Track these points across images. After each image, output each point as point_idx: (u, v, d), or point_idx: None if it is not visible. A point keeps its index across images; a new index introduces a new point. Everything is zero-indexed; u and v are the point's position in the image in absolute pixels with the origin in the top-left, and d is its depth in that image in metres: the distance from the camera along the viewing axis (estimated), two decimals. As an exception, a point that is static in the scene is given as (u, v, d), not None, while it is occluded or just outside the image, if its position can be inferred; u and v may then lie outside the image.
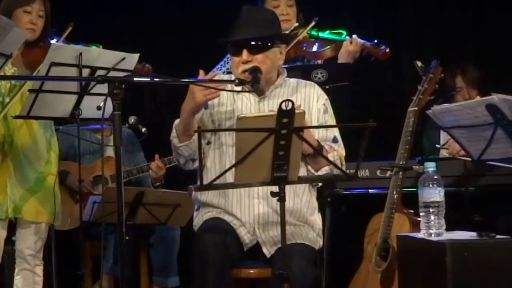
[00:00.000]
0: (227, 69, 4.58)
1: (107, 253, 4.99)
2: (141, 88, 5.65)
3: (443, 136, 4.30)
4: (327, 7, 4.74)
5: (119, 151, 3.02)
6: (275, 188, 3.17)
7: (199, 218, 3.75)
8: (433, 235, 3.25)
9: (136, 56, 3.88)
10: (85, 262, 4.83)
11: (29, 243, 4.13)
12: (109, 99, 3.02)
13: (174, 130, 3.68)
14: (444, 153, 4.52)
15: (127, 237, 3.06)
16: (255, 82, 3.52)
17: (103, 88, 3.44)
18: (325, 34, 4.75)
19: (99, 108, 3.78)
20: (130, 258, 4.75)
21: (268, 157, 3.12)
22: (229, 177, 3.26)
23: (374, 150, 3.49)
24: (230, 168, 3.20)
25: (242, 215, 3.64)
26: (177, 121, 3.66)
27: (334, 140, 3.72)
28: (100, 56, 3.80)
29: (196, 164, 3.62)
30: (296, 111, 3.08)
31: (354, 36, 4.66)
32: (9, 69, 3.97)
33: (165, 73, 3.23)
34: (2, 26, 3.58)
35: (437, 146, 4.50)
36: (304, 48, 4.71)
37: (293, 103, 3.06)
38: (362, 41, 4.65)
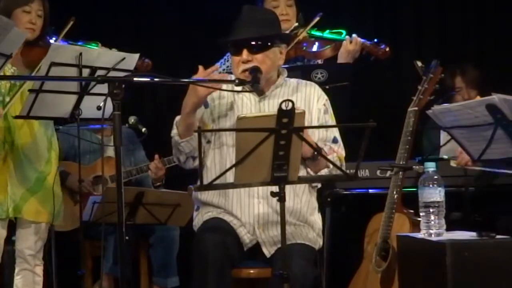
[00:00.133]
0: (227, 67, 4.57)
1: (107, 253, 4.99)
2: (141, 88, 5.64)
3: (443, 136, 4.29)
4: (327, 7, 4.73)
5: (119, 151, 3.02)
6: (275, 188, 3.17)
7: (199, 218, 3.75)
8: (433, 235, 3.25)
9: (136, 56, 3.88)
10: (85, 262, 4.83)
11: (29, 243, 4.13)
12: (109, 99, 3.02)
13: (175, 127, 3.68)
14: (452, 163, 4.52)
15: (127, 237, 3.06)
16: (255, 82, 3.53)
17: (103, 88, 3.44)
18: (325, 34, 4.75)
19: (99, 108, 3.78)
20: (130, 258, 4.75)
21: (268, 157, 3.12)
22: (229, 177, 3.26)
23: (374, 150, 3.49)
24: (230, 168, 3.20)
25: (242, 214, 3.64)
26: (177, 118, 3.66)
27: (334, 141, 3.72)
28: (100, 56, 3.81)
29: (196, 162, 3.62)
30: (296, 111, 3.08)
31: (353, 35, 4.66)
32: (9, 69, 3.97)
33: (165, 73, 3.22)
34: (2, 26, 3.58)
35: (440, 145, 4.49)
36: (304, 48, 4.71)
37: (293, 103, 3.06)
38: (362, 40, 4.65)
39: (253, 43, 3.63)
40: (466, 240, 3.17)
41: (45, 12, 4.14)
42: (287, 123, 3.08)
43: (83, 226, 4.30)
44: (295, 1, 4.77)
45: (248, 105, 3.73)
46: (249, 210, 3.64)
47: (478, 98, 4.00)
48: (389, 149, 4.05)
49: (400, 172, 3.83)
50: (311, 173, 3.66)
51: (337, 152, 3.69)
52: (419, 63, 4.02)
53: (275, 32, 3.72)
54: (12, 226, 4.17)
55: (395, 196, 3.80)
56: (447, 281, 3.02)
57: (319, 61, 4.76)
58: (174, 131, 3.67)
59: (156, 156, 5.12)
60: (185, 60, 5.54)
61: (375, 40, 4.69)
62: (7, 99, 4.01)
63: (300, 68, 4.62)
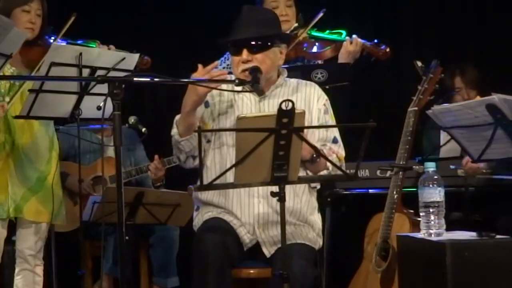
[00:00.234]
0: (227, 65, 4.56)
1: (107, 254, 4.98)
2: (141, 88, 5.64)
3: (443, 136, 4.30)
4: (327, 7, 4.73)
5: (119, 151, 3.02)
6: (275, 188, 3.17)
7: (199, 218, 3.75)
8: (433, 235, 3.25)
9: (136, 56, 3.88)
10: (85, 262, 4.83)
11: (29, 243, 4.13)
12: (109, 99, 3.02)
13: (175, 126, 3.67)
14: (459, 172, 4.54)
15: (127, 237, 3.06)
16: (255, 82, 3.52)
17: (103, 88, 3.44)
18: (325, 34, 4.75)
19: (99, 108, 3.78)
20: (130, 258, 4.75)
21: (268, 157, 3.12)
22: (230, 177, 3.26)
23: (374, 150, 3.49)
24: (230, 168, 3.20)
25: (242, 214, 3.64)
26: (177, 117, 3.66)
27: (334, 141, 3.72)
28: (100, 56, 3.81)
29: (197, 161, 3.62)
30: (296, 111, 3.08)
31: (354, 36, 4.66)
32: (8, 69, 3.97)
33: (165, 73, 3.22)
34: (2, 26, 3.58)
35: (440, 145, 4.49)
36: (305, 49, 4.70)
37: (293, 103, 3.05)
38: (362, 41, 4.65)
39: (253, 43, 3.63)
40: (466, 240, 3.17)
41: (44, 12, 4.15)
42: (287, 123, 3.08)
43: (83, 226, 4.30)
44: (294, 1, 4.77)
45: (248, 105, 3.73)
46: (249, 209, 3.64)
47: (478, 98, 4.01)
48: (389, 149, 4.05)
49: (400, 172, 3.83)
50: (311, 174, 3.66)
51: (337, 153, 3.68)
52: (419, 63, 4.02)
53: (275, 32, 3.72)
54: (12, 226, 4.17)
55: (395, 196, 3.80)
56: (447, 281, 3.02)
57: (319, 61, 4.76)
58: (174, 130, 3.67)
59: (156, 157, 5.12)
60: (185, 60, 5.52)
61: (375, 40, 4.69)
62: (7, 99, 4.01)
63: (300, 68, 4.61)
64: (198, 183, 3.24)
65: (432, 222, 3.26)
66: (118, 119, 2.98)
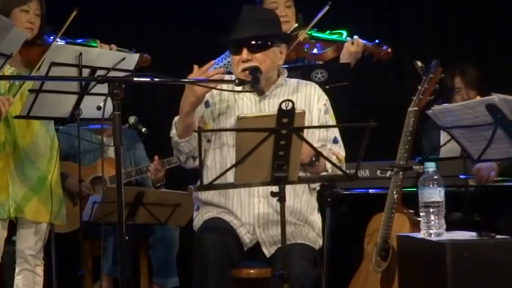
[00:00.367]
0: (228, 62, 4.55)
1: (106, 254, 4.98)
2: (141, 88, 5.64)
3: (443, 136, 4.30)
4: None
5: (119, 151, 3.02)
6: (275, 188, 3.17)
7: (199, 218, 3.75)
8: (433, 235, 3.25)
9: (136, 56, 3.89)
10: (85, 262, 4.83)
11: (29, 243, 4.13)
12: (109, 99, 3.02)
13: (173, 127, 3.67)
14: (470, 182, 4.54)
15: (127, 237, 3.06)
16: (255, 82, 3.52)
17: (103, 88, 3.44)
18: (326, 35, 4.75)
19: (99, 108, 3.78)
20: (130, 258, 4.75)
21: (268, 157, 3.12)
22: (230, 177, 3.26)
23: (374, 150, 3.49)
24: (230, 168, 3.20)
25: (242, 214, 3.64)
26: (176, 118, 3.66)
27: (335, 141, 3.72)
28: (100, 56, 3.81)
29: (197, 162, 3.61)
30: (296, 111, 3.08)
31: (355, 36, 4.66)
32: (8, 69, 3.97)
33: (165, 73, 3.22)
34: (2, 26, 3.59)
35: (440, 145, 4.50)
36: (306, 50, 4.70)
37: (293, 103, 3.06)
38: (364, 41, 4.64)
39: (253, 42, 3.63)
40: (466, 240, 3.17)
41: (43, 12, 4.15)
42: (287, 123, 3.08)
43: (83, 226, 4.30)
44: (294, 2, 4.77)
45: (248, 104, 3.73)
46: (249, 209, 3.64)
47: (478, 98, 4.01)
48: (389, 149, 4.04)
49: (400, 172, 3.83)
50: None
51: (337, 154, 3.68)
52: (419, 63, 4.02)
53: (275, 31, 3.72)
54: (13, 227, 4.18)
55: (395, 196, 3.80)
56: (447, 281, 3.02)
57: (318, 61, 4.75)
58: (173, 132, 3.67)
59: (156, 157, 5.12)
60: (185, 59, 5.53)
61: (377, 41, 4.69)
62: (8, 98, 4.01)
63: (300, 68, 4.61)
64: (198, 183, 3.24)
65: (432, 222, 3.26)
66: (118, 119, 2.97)
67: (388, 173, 3.96)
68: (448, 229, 3.31)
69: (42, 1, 4.16)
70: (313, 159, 3.54)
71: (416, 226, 3.61)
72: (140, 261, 5.23)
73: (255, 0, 4.71)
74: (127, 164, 5.28)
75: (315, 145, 3.46)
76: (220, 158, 3.68)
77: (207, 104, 3.70)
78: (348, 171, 3.42)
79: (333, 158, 3.62)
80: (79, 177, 4.27)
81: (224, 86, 3.66)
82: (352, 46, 4.62)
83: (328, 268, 4.42)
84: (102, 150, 5.08)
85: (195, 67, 3.51)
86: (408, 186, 3.93)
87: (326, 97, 3.80)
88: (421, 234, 3.30)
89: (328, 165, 3.61)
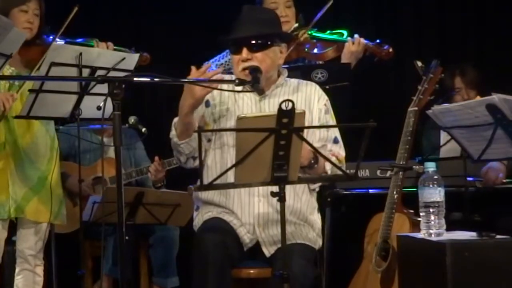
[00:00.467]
0: (229, 59, 4.55)
1: (106, 255, 4.98)
2: (141, 88, 5.64)
3: (443, 136, 4.30)
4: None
5: (119, 151, 3.02)
6: (276, 188, 3.17)
7: (199, 218, 3.75)
8: (433, 235, 3.25)
9: (136, 56, 3.89)
10: (85, 262, 4.83)
11: (29, 243, 4.13)
12: (109, 99, 3.02)
13: (173, 129, 3.66)
14: (477, 184, 4.55)
15: (127, 237, 3.05)
16: (255, 82, 3.52)
17: (103, 88, 3.44)
18: (327, 35, 4.74)
19: (99, 108, 3.78)
20: (130, 258, 4.75)
21: (268, 157, 3.12)
22: (230, 177, 3.26)
23: (374, 150, 3.49)
24: (230, 168, 3.20)
25: (242, 213, 3.64)
26: (176, 119, 3.65)
27: (335, 141, 3.72)
28: (100, 56, 3.81)
29: (197, 162, 3.61)
30: (296, 111, 3.08)
31: (356, 36, 4.65)
32: (7, 69, 3.97)
33: (165, 73, 3.22)
34: (2, 26, 3.59)
35: (440, 145, 4.50)
36: (306, 50, 4.70)
37: (293, 103, 3.05)
38: (365, 41, 4.64)
39: (253, 41, 3.63)
40: (466, 240, 3.17)
41: (42, 11, 4.15)
42: (287, 123, 3.08)
43: (83, 226, 4.30)
44: (294, 2, 4.76)
45: (249, 104, 3.73)
46: (249, 208, 3.64)
47: (478, 98, 4.01)
48: (389, 149, 4.04)
49: (400, 172, 3.83)
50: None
51: (337, 155, 3.68)
52: (419, 63, 4.02)
53: (275, 31, 3.72)
54: (12, 227, 4.18)
55: (395, 196, 3.80)
56: (447, 281, 3.02)
57: (319, 61, 4.75)
58: (173, 133, 3.66)
59: (156, 158, 5.11)
60: (185, 59, 5.53)
61: (378, 40, 4.69)
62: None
63: (300, 68, 4.61)
64: (198, 183, 3.24)
65: (432, 222, 3.26)
66: (118, 119, 2.97)
67: (388, 173, 3.96)
68: (448, 229, 3.31)
69: (41, 1, 4.16)
70: (312, 161, 3.54)
71: (416, 226, 3.61)
72: (140, 261, 5.23)
73: (255, 0, 4.71)
74: (127, 164, 5.27)
75: (315, 145, 3.46)
76: (220, 158, 3.68)
77: (207, 104, 3.70)
78: (348, 171, 3.42)
79: (333, 159, 3.61)
80: (79, 177, 4.27)
81: (225, 86, 3.66)
82: (353, 45, 4.62)
83: (328, 268, 4.43)
84: (102, 150, 5.08)
85: (193, 68, 3.49)
86: (408, 186, 3.94)
87: (326, 97, 3.80)
88: (421, 234, 3.30)
89: (328, 167, 3.61)
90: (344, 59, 4.63)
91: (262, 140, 3.08)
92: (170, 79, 3.28)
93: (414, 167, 3.92)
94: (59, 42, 4.16)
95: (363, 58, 4.66)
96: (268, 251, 3.63)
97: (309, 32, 4.71)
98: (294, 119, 3.08)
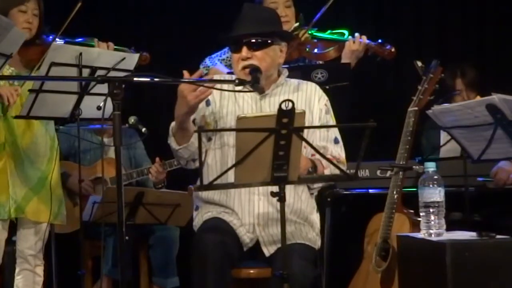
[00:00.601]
0: (230, 55, 4.53)
1: (106, 255, 4.97)
2: (141, 88, 5.64)
3: (443, 136, 4.30)
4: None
5: (119, 151, 3.02)
6: (276, 188, 3.17)
7: (199, 218, 3.75)
8: (433, 235, 3.25)
9: (136, 56, 3.89)
10: (85, 262, 4.82)
11: (30, 243, 4.13)
12: (109, 99, 3.02)
13: (171, 133, 3.66)
14: (487, 185, 4.55)
15: (127, 237, 3.05)
16: (255, 82, 3.52)
17: (103, 88, 3.44)
18: (327, 35, 4.74)
19: (99, 108, 3.78)
20: (130, 258, 4.75)
21: (268, 157, 3.12)
22: (230, 177, 3.25)
23: (374, 150, 3.49)
24: (230, 168, 3.19)
25: (242, 212, 3.64)
26: (173, 124, 3.65)
27: (335, 141, 3.73)
28: (100, 56, 3.81)
29: (198, 163, 3.61)
30: (296, 111, 3.08)
31: (356, 34, 4.65)
32: (7, 69, 3.97)
33: (165, 73, 3.22)
34: (3, 26, 3.59)
35: (440, 145, 4.50)
36: (307, 50, 4.70)
37: (293, 103, 3.05)
38: (367, 41, 4.64)
39: (253, 40, 3.62)
40: (466, 240, 3.17)
41: (41, 11, 4.15)
42: (287, 123, 3.08)
43: (83, 226, 4.30)
44: (294, 2, 4.76)
45: (249, 103, 3.73)
46: (249, 207, 3.64)
47: (478, 98, 4.01)
48: (389, 149, 4.04)
49: (400, 172, 3.83)
50: (310, 185, 3.67)
51: (337, 158, 3.67)
52: (419, 63, 4.02)
53: (275, 29, 3.72)
54: (12, 227, 4.18)
55: (395, 196, 3.80)
56: (447, 281, 3.02)
57: (320, 61, 4.75)
58: (171, 139, 3.65)
59: (157, 159, 5.10)
60: (185, 59, 5.53)
61: (379, 40, 4.69)
62: (8, 99, 4.01)
63: (300, 68, 4.61)
64: (198, 183, 3.23)
65: (432, 222, 3.26)
66: (118, 119, 2.97)
67: (388, 173, 3.96)
68: (448, 229, 3.31)
69: (40, 1, 4.16)
70: (310, 170, 3.54)
71: (416, 226, 3.60)
72: (140, 261, 5.23)
73: (255, 1, 4.71)
74: (127, 164, 5.27)
75: (319, 144, 3.46)
76: (220, 157, 3.68)
77: (208, 103, 3.70)
78: (348, 171, 3.42)
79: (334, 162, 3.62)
80: (79, 177, 4.27)
81: (225, 86, 3.66)
82: (353, 44, 4.62)
83: (328, 268, 4.43)
84: (102, 150, 5.08)
85: (185, 73, 3.44)
86: (408, 186, 3.93)
87: (326, 98, 3.80)
88: (421, 234, 3.30)
89: (326, 169, 3.61)
90: (345, 58, 4.63)
91: (262, 140, 3.08)
92: (170, 79, 3.28)
93: (414, 167, 3.92)
94: (59, 42, 4.16)
95: (366, 58, 4.66)
96: (268, 250, 3.63)
97: (310, 32, 4.71)
98: (294, 119, 3.08)
